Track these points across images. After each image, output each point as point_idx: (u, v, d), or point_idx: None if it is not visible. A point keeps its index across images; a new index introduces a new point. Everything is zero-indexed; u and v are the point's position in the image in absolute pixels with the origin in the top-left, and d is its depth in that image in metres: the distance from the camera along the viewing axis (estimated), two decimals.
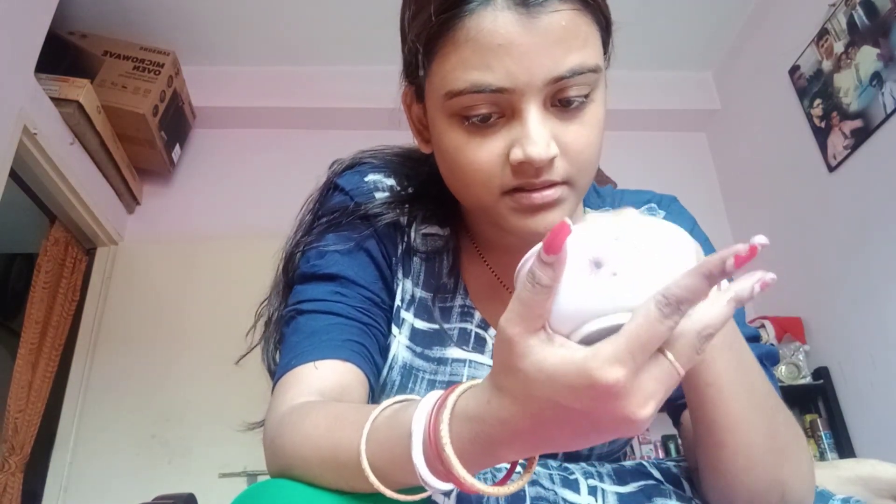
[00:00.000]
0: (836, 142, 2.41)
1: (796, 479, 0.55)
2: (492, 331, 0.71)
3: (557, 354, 0.36)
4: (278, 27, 2.86)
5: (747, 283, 0.36)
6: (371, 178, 0.73)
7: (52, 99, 2.24)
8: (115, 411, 2.46)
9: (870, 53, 2.26)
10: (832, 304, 2.42)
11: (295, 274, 0.71)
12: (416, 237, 0.72)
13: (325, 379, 0.60)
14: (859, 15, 2.31)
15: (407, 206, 0.72)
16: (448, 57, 0.56)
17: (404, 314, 0.70)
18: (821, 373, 2.51)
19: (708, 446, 0.55)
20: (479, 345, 0.70)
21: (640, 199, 0.77)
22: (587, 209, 0.76)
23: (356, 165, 0.75)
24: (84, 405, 2.47)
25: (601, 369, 0.34)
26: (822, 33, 2.49)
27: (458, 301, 0.72)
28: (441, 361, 0.69)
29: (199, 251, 2.72)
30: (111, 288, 2.70)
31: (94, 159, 2.54)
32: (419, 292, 0.71)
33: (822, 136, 2.49)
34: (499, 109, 0.56)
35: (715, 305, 0.36)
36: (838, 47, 2.41)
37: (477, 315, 0.72)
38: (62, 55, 2.53)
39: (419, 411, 0.43)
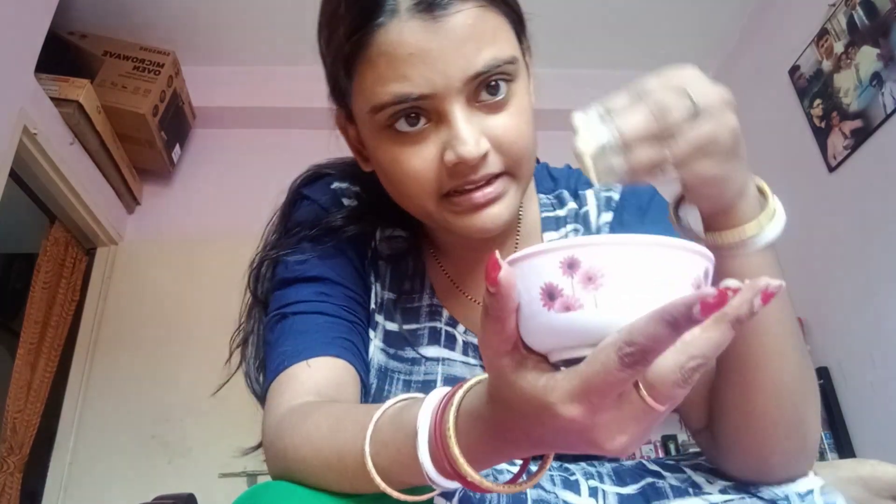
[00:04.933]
0: (836, 142, 2.41)
1: (815, 419, 0.55)
2: (460, 327, 0.72)
3: (525, 379, 0.35)
4: (278, 27, 2.86)
5: (746, 297, 0.31)
6: (337, 185, 0.74)
7: (52, 99, 2.24)
8: (115, 411, 2.46)
9: (870, 53, 2.25)
10: (832, 304, 2.42)
11: (273, 281, 0.71)
12: (381, 241, 0.73)
13: (320, 377, 0.60)
14: (859, 15, 2.31)
15: (371, 213, 0.73)
16: (365, 74, 0.57)
17: (377, 317, 0.71)
18: (821, 373, 2.50)
19: (735, 386, 0.54)
20: (450, 342, 0.71)
21: None
22: (541, 195, 0.77)
23: (319, 177, 0.76)
24: (84, 405, 2.47)
25: (558, 405, 0.33)
26: (822, 33, 2.48)
27: (426, 300, 0.73)
28: (415, 361, 0.69)
29: (199, 251, 2.72)
30: (111, 288, 2.70)
31: (94, 159, 2.54)
32: (388, 295, 0.72)
33: (822, 136, 2.49)
34: (425, 115, 0.56)
35: (708, 331, 0.31)
36: (838, 47, 2.41)
37: (445, 313, 0.73)
38: (62, 55, 2.53)
39: (424, 409, 0.43)
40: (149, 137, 2.66)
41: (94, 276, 2.72)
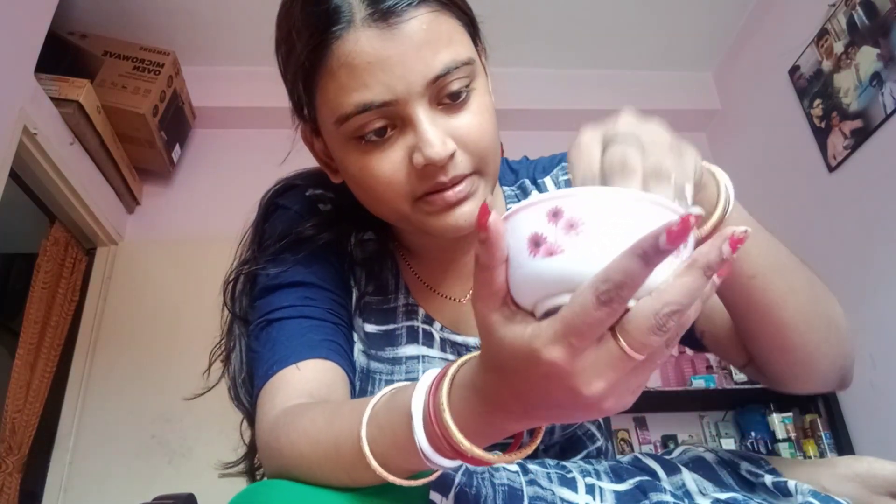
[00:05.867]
0: (836, 142, 2.41)
1: (838, 309, 0.59)
2: (437, 324, 0.73)
3: (513, 331, 0.36)
4: None
5: (714, 244, 0.32)
6: (311, 192, 0.76)
7: (52, 99, 2.24)
8: (115, 411, 2.46)
9: (870, 53, 2.25)
10: None
11: (255, 291, 0.72)
12: (355, 245, 0.74)
13: (310, 379, 0.61)
14: (859, 15, 2.31)
15: (344, 218, 0.74)
16: (327, 86, 0.58)
17: (357, 320, 0.72)
18: None
19: (767, 331, 0.57)
20: (428, 339, 0.72)
21: (552, 162, 0.80)
22: (504, 187, 0.79)
23: (290, 188, 0.78)
24: (84, 405, 2.47)
25: (542, 350, 0.34)
26: (822, 33, 2.49)
27: (401, 300, 0.74)
28: (395, 361, 0.70)
29: (199, 251, 2.72)
30: (111, 288, 2.70)
31: (94, 159, 2.54)
32: (365, 297, 0.73)
33: (822, 136, 2.49)
34: (390, 122, 0.57)
35: (681, 277, 0.33)
36: (838, 47, 2.41)
37: (421, 311, 0.73)
38: (62, 55, 2.53)
39: (419, 387, 0.43)
40: (149, 137, 2.66)
41: (94, 276, 2.72)
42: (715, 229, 0.50)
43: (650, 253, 0.31)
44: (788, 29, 2.68)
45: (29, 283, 2.49)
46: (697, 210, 0.31)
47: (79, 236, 2.68)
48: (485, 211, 0.35)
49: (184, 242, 2.77)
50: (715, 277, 0.33)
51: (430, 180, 0.58)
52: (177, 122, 2.82)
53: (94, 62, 2.63)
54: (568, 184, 0.77)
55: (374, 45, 0.55)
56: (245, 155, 3.04)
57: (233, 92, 3.01)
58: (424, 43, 0.56)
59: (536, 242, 0.35)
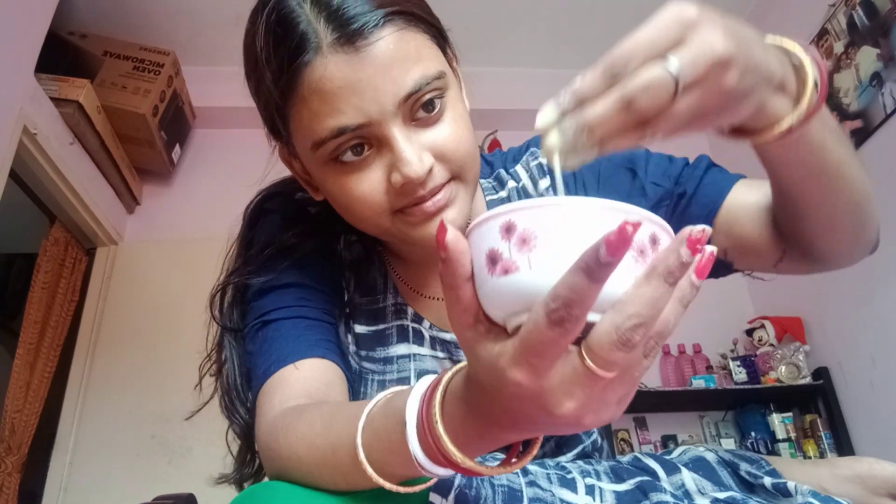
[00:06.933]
0: None
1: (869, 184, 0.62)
2: (426, 322, 0.73)
3: (485, 349, 0.35)
4: None
5: (672, 248, 0.30)
6: (300, 195, 0.76)
7: (52, 99, 2.24)
8: (115, 411, 2.46)
9: (870, 53, 2.26)
10: (832, 304, 2.42)
11: (249, 293, 0.72)
12: (343, 248, 0.75)
13: (308, 378, 0.61)
14: (859, 15, 2.31)
15: (332, 221, 0.74)
16: (300, 113, 0.58)
17: (349, 321, 0.73)
18: (821, 373, 2.51)
19: (819, 214, 0.60)
20: (418, 338, 0.72)
21: (521, 151, 0.80)
22: (482, 181, 0.79)
23: (276, 194, 0.78)
24: (84, 405, 2.47)
25: (506, 370, 0.33)
26: (822, 33, 2.49)
27: (390, 300, 0.75)
28: (387, 361, 0.71)
29: (199, 251, 2.71)
30: (111, 288, 2.70)
31: (94, 159, 2.54)
32: (355, 298, 0.74)
33: None
34: (367, 143, 0.58)
35: (640, 287, 0.31)
36: (838, 47, 2.41)
37: (410, 311, 0.74)
38: (62, 55, 2.53)
39: (413, 395, 0.43)
40: (149, 137, 2.66)
41: (94, 276, 2.71)
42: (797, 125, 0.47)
43: (593, 267, 0.29)
44: (788, 29, 2.68)
45: (29, 283, 2.49)
46: (636, 218, 0.29)
47: (79, 236, 2.68)
48: (442, 228, 0.34)
49: (184, 242, 2.77)
50: (694, 279, 0.31)
51: (408, 196, 0.59)
52: (177, 122, 2.82)
53: (94, 62, 2.63)
54: (539, 168, 0.77)
55: (343, 70, 0.55)
56: (245, 155, 3.02)
57: (233, 92, 2.96)
58: (393, 62, 0.56)
59: (493, 260, 0.33)
